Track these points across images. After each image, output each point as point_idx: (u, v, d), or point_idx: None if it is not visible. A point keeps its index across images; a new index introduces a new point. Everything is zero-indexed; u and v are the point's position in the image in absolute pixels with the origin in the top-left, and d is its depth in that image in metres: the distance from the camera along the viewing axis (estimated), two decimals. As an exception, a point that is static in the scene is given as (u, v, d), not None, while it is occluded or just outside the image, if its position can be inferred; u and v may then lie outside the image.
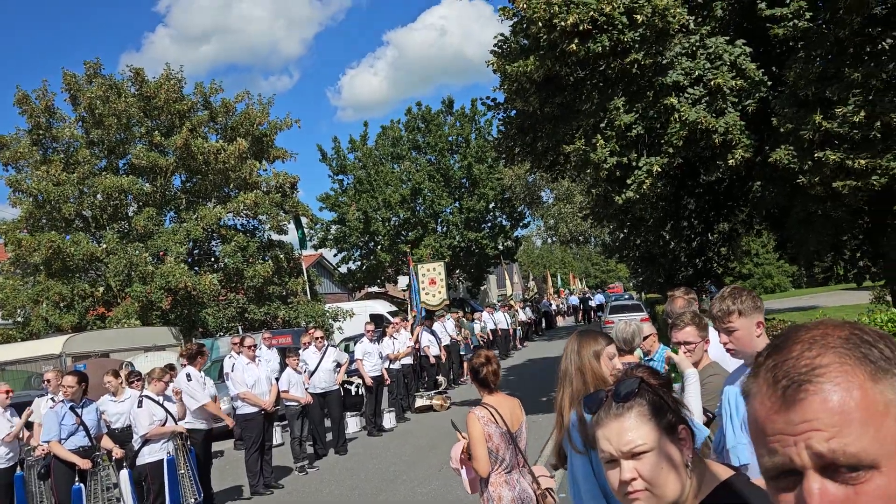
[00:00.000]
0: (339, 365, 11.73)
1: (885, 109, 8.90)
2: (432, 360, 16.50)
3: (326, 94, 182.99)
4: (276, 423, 11.17)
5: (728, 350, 3.07)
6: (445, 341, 17.72)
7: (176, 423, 7.79)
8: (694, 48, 10.18)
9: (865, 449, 0.82)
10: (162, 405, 7.72)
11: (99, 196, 19.54)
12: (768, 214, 13.89)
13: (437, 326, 17.69)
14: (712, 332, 3.82)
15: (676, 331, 3.83)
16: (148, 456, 7.53)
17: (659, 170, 10.36)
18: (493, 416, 3.88)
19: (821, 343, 0.88)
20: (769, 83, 10.19)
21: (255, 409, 9.35)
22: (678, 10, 9.71)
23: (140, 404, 7.56)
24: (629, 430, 1.49)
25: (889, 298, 13.19)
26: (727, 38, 10.22)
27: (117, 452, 7.44)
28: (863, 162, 9.09)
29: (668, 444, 1.50)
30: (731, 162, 10.10)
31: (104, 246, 18.98)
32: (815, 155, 9.29)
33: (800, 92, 9.58)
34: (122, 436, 8.04)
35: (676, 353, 3.46)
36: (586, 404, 1.63)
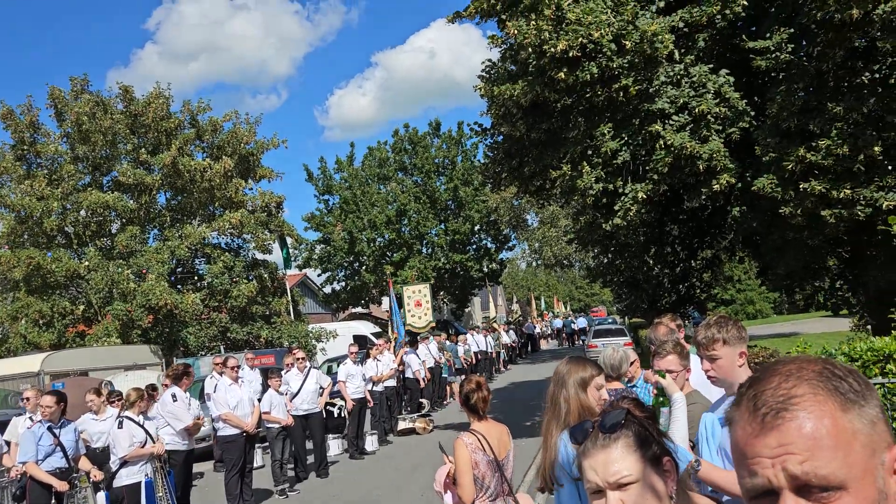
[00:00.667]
0: (322, 388, 11.66)
1: (867, 143, 9.05)
2: (422, 384, 16.47)
3: (314, 114, 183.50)
4: (257, 445, 11.06)
5: (710, 377, 3.11)
6: (429, 363, 17.66)
7: (155, 444, 7.69)
8: (678, 77, 10.33)
9: (835, 472, 0.92)
10: (142, 426, 7.62)
11: (83, 212, 19.42)
12: (749, 241, 14.06)
13: (420, 349, 17.64)
14: (694, 361, 3.86)
15: (658, 359, 3.87)
16: (126, 478, 7.41)
17: (644, 196, 10.45)
18: (480, 443, 3.86)
19: (796, 375, 0.99)
20: (752, 113, 10.35)
21: (236, 431, 9.25)
22: (666, 35, 9.86)
23: (120, 425, 7.45)
24: (615, 461, 1.51)
25: (869, 327, 13.33)
26: (710, 66, 10.40)
27: (95, 474, 7.32)
28: (848, 192, 9.22)
29: (653, 476, 1.52)
30: (716, 187, 10.18)
31: (86, 263, 18.83)
32: (801, 186, 9.41)
33: (782, 123, 9.73)
34: (101, 456, 7.92)
35: (664, 377, 3.49)
36: (573, 435, 1.64)
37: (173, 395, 8.47)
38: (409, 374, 16.30)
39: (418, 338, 18.68)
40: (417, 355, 16.90)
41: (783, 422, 0.95)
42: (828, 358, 1.04)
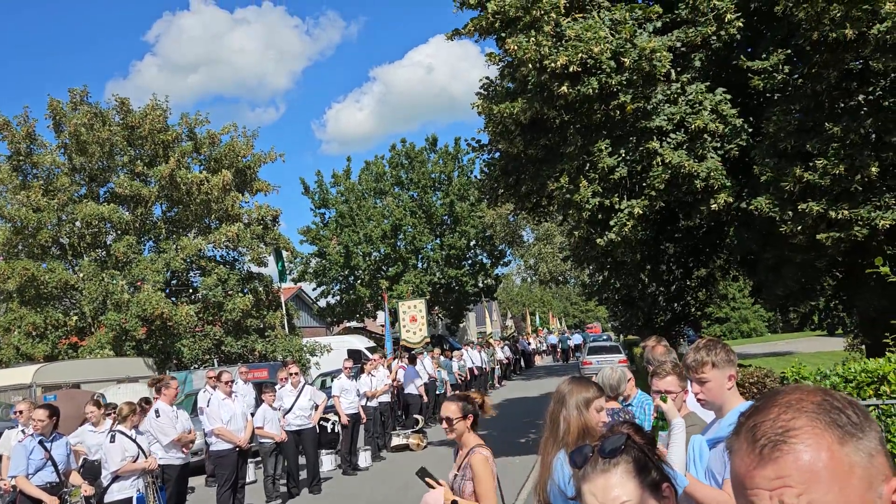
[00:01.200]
0: (316, 405, 11.60)
1: (864, 163, 9.10)
2: (425, 398, 16.43)
3: (311, 127, 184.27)
4: (249, 460, 10.99)
5: (699, 400, 3.12)
6: (424, 379, 17.61)
7: (147, 459, 7.62)
8: (675, 95, 10.40)
9: None
10: (134, 440, 7.56)
11: (78, 223, 19.37)
12: (743, 260, 14.09)
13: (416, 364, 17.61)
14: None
15: (658, 379, 3.86)
16: (117, 493, 7.33)
17: (640, 212, 10.48)
18: (492, 457, 3.82)
19: (796, 407, 0.99)
20: (749, 130, 10.40)
21: (229, 446, 9.19)
22: (664, 52, 9.92)
23: (112, 439, 7.38)
24: (615, 486, 1.50)
25: (863, 347, 13.35)
26: (707, 85, 10.47)
27: (87, 489, 7.25)
28: (845, 212, 9.26)
29: (652, 502, 1.52)
30: (713, 206, 10.21)
31: (80, 274, 18.76)
32: (799, 207, 9.43)
33: (779, 144, 9.78)
34: (98, 468, 7.85)
35: (665, 401, 3.48)
36: (572, 459, 1.64)
37: (157, 411, 8.38)
38: (412, 390, 16.26)
39: (413, 352, 18.64)
40: (418, 372, 16.91)
41: (781, 454, 0.96)
42: (828, 388, 1.05)
